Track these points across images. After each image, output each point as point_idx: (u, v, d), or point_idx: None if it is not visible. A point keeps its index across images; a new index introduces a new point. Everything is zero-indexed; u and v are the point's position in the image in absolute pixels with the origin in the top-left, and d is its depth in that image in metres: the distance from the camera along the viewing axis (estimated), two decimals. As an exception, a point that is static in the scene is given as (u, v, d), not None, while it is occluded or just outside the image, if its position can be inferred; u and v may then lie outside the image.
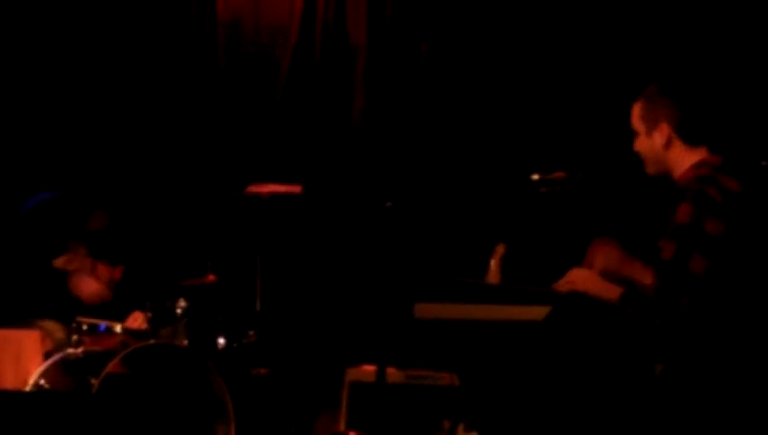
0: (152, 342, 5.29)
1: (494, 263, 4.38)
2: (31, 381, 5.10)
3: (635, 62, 5.92)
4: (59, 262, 5.61)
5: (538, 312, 4.09)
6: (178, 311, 5.48)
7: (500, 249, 4.39)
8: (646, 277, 3.87)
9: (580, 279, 4.06)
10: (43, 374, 5.13)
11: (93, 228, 5.81)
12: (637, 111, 4.12)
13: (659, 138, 4.05)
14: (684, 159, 4.05)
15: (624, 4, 6.05)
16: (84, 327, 5.31)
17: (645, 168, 4.14)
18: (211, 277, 5.79)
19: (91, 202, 5.84)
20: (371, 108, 6.64)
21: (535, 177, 4.38)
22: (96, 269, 5.71)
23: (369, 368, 5.43)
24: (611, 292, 3.97)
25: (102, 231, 5.81)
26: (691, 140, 4.05)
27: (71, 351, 5.24)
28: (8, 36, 6.56)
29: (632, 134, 4.16)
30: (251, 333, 5.80)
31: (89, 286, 5.64)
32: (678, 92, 4.10)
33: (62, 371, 5.16)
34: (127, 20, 6.71)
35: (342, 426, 5.45)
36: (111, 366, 5.01)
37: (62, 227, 5.67)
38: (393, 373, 5.36)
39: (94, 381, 4.97)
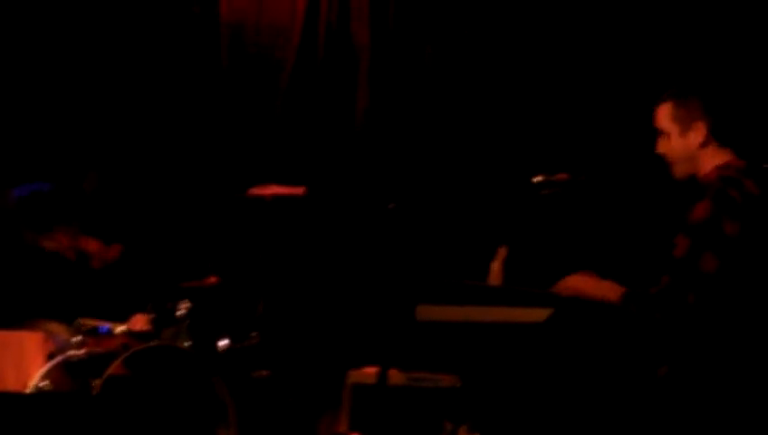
0: (154, 343, 5.29)
1: (496, 265, 4.37)
2: (32, 382, 5.09)
3: (637, 65, 5.91)
4: (47, 241, 5.58)
5: (540, 314, 4.08)
6: (180, 313, 5.48)
7: (502, 251, 4.39)
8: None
9: (578, 283, 4.05)
10: (45, 376, 5.12)
11: (87, 190, 5.80)
12: (666, 111, 4.09)
13: (695, 137, 4.04)
14: (713, 160, 4.04)
15: (627, 6, 6.04)
16: (86, 329, 5.31)
17: (672, 169, 4.11)
18: (213, 279, 5.78)
19: (84, 194, 5.84)
20: (375, 109, 6.63)
21: (538, 179, 4.38)
22: (87, 248, 5.67)
23: (371, 370, 5.42)
24: (612, 292, 3.97)
25: (95, 193, 5.79)
26: (723, 141, 4.05)
27: (72, 352, 5.23)
28: (11, 37, 6.56)
29: (634, 137, 4.16)
30: (253, 335, 5.80)
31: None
32: (710, 93, 4.09)
33: (64, 372, 5.15)
34: (130, 20, 6.71)
35: (344, 428, 5.44)
36: (113, 368, 5.01)
37: (50, 217, 5.65)
38: (395, 375, 5.36)
39: (96, 383, 4.97)
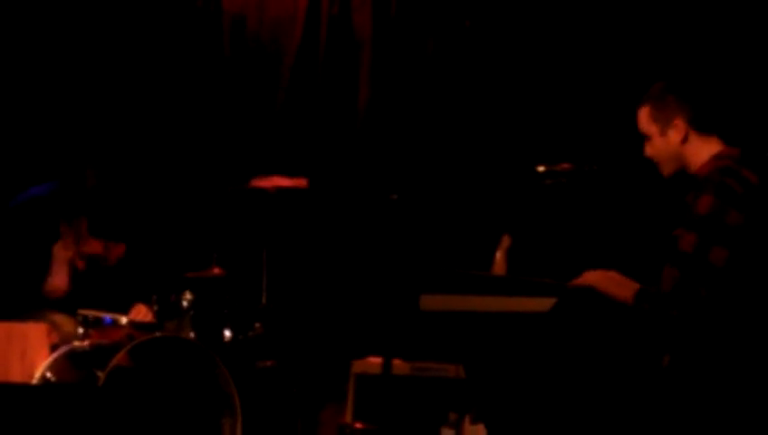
0: (158, 334, 5.29)
1: (499, 254, 4.38)
2: (37, 374, 5.10)
3: (641, 54, 5.91)
4: (57, 248, 5.57)
5: (544, 303, 4.09)
6: (184, 304, 5.48)
7: (506, 241, 4.40)
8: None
9: (595, 278, 4.05)
10: (50, 367, 5.12)
11: (88, 186, 5.77)
12: (645, 114, 4.12)
13: (675, 134, 4.07)
14: (701, 151, 4.07)
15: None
16: (90, 319, 5.31)
17: (660, 169, 4.15)
18: (217, 270, 5.78)
19: (86, 191, 5.82)
20: (377, 100, 6.63)
21: (541, 168, 4.38)
22: (93, 251, 5.65)
23: (375, 360, 5.44)
24: (626, 290, 3.97)
25: (94, 190, 5.77)
26: (705, 129, 4.07)
27: (77, 343, 5.23)
28: (11, 30, 6.56)
29: (636, 126, 4.16)
30: (257, 325, 5.80)
31: (57, 280, 5.61)
32: (684, 86, 4.11)
33: (69, 363, 5.15)
34: (132, 10, 6.71)
35: (348, 418, 5.46)
36: (118, 359, 5.01)
37: (57, 217, 5.64)
38: (399, 365, 5.38)
39: (100, 374, 4.97)
